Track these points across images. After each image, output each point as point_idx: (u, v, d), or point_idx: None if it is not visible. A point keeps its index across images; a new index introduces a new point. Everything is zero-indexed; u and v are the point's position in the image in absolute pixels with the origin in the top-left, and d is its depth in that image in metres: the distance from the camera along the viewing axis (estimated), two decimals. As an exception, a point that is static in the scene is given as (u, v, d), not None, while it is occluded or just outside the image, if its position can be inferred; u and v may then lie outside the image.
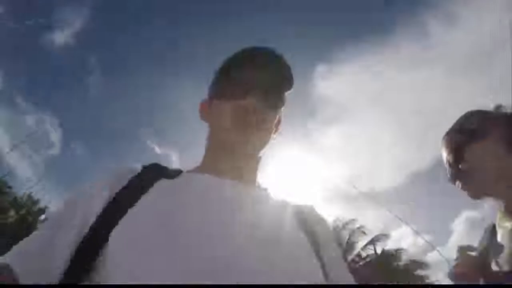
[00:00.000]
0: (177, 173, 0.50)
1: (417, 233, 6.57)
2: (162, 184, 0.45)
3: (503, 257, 0.61)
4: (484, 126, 0.69)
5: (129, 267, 0.35)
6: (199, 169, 0.54)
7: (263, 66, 0.52)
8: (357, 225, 17.31)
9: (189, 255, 0.36)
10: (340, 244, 15.74)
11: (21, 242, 0.41)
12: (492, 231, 0.72)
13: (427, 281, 17.12)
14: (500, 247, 0.63)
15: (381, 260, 17.01)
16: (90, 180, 0.50)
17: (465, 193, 0.75)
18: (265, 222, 0.45)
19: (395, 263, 17.74)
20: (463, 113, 0.78)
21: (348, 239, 16.91)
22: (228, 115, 0.49)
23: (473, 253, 0.69)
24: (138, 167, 0.49)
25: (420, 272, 17.98)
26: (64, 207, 0.45)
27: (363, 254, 17.28)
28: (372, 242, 17.53)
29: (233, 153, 0.51)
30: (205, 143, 0.57)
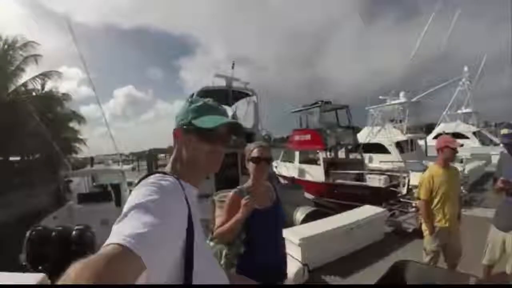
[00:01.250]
0: (182, 189, 0.72)
1: (90, 82, 6.45)
2: (195, 215, 0.72)
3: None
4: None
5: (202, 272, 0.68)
6: (190, 182, 0.79)
7: (224, 124, 0.81)
8: (35, 53, 14.11)
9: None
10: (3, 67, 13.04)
11: (145, 235, 0.51)
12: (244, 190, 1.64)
13: (79, 136, 17.24)
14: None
15: (45, 99, 14.73)
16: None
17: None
18: None
19: (57, 107, 15.82)
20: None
21: (19, 64, 13.77)
22: (204, 155, 0.80)
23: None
24: (178, 198, 0.69)
25: (73, 124, 17.21)
26: (167, 226, 0.58)
27: (30, 86, 14.40)
28: (44, 76, 14.75)
29: (204, 176, 0.86)
30: (180, 156, 0.82)
